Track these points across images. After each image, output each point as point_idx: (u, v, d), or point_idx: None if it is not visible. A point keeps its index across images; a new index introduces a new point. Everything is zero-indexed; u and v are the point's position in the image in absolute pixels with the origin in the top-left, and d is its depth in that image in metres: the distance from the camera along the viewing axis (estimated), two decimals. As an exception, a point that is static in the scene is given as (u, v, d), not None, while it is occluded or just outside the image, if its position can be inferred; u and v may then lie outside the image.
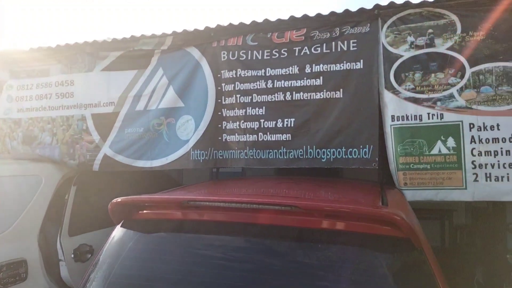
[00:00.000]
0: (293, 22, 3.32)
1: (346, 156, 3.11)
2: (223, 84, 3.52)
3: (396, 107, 3.01)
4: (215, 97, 3.53)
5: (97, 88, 3.84)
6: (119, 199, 1.86)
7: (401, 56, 3.03)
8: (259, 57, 3.41)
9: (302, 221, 1.65)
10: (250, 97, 3.42)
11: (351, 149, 3.10)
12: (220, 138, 3.52)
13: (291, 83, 3.30)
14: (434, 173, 2.90)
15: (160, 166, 3.61)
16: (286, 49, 3.34)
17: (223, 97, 3.53)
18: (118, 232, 1.90)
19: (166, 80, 3.65)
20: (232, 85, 3.48)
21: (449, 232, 5.29)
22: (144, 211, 1.94)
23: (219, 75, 3.54)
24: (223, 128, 3.52)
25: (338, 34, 3.21)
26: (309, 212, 1.64)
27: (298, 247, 1.65)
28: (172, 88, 3.63)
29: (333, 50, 3.21)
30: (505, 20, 2.82)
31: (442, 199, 2.88)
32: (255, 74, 3.41)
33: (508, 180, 2.74)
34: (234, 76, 3.47)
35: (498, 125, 2.79)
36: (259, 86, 3.39)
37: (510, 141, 2.76)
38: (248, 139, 3.41)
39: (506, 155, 2.76)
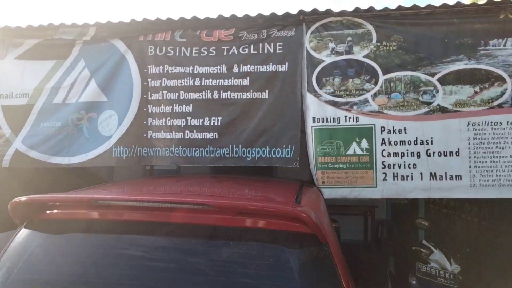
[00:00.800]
0: (222, 21, 3.34)
1: (270, 155, 3.21)
2: (149, 80, 3.44)
3: (317, 109, 3.17)
4: (140, 93, 3.44)
5: (9, 78, 3.55)
6: (22, 198, 1.74)
7: (323, 61, 3.20)
8: (187, 54, 3.38)
9: (214, 219, 1.68)
10: (177, 94, 3.38)
11: (274, 149, 3.20)
12: (145, 135, 3.43)
13: (218, 82, 3.32)
14: (349, 172, 3.10)
15: (79, 163, 3.43)
16: (214, 47, 3.35)
17: (149, 92, 3.44)
18: (21, 233, 1.78)
19: (88, 73, 3.47)
20: (159, 81, 3.41)
21: (371, 227, 5.67)
22: (53, 211, 1.83)
23: (145, 70, 3.45)
24: (149, 124, 3.44)
25: (265, 36, 3.29)
26: (220, 210, 1.66)
27: (211, 244, 1.66)
28: (94, 81, 3.46)
29: (260, 52, 3.29)
30: (413, 33, 3.10)
31: (356, 196, 3.09)
32: (183, 71, 3.37)
33: (412, 179, 3.02)
34: (161, 71, 3.40)
35: (405, 128, 3.06)
36: (187, 83, 3.36)
37: (414, 144, 3.04)
38: (174, 137, 3.37)
39: (411, 156, 3.04)
